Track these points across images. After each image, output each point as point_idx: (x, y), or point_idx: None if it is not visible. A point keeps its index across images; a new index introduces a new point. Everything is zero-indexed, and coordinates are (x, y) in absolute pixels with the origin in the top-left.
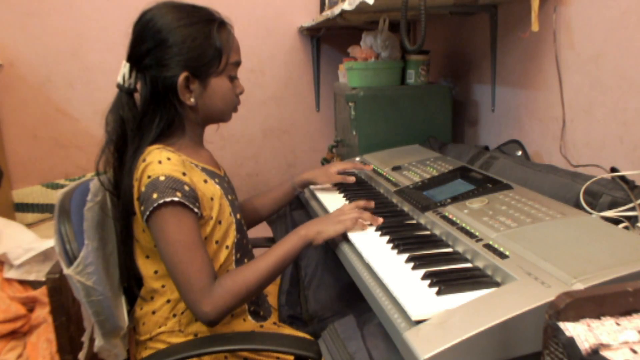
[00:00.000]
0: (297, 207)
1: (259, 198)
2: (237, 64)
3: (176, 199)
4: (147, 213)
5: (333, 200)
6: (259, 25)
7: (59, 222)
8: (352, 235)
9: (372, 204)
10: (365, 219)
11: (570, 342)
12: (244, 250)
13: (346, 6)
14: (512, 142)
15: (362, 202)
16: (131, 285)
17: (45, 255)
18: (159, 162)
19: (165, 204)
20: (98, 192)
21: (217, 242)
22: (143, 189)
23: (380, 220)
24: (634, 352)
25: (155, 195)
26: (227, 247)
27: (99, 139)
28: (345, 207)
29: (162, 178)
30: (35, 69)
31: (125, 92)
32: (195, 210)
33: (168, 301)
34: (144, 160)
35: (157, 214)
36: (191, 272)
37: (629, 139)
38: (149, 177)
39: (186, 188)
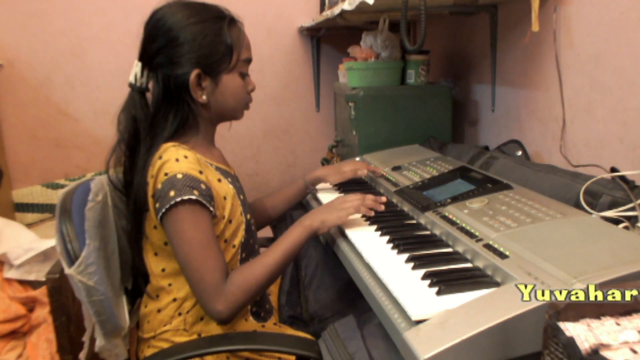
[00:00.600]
0: (297, 207)
1: (270, 198)
2: (248, 60)
3: (194, 197)
4: (163, 210)
5: None
6: (259, 25)
7: (60, 222)
8: (351, 235)
9: (382, 198)
10: (368, 204)
11: (570, 342)
12: (249, 251)
13: (346, 6)
14: (512, 142)
15: (370, 196)
16: (139, 282)
17: (45, 255)
18: (177, 160)
19: (183, 202)
20: (99, 192)
21: (225, 240)
22: (159, 186)
23: (384, 199)
24: (634, 352)
25: (172, 193)
26: (234, 246)
27: (99, 139)
28: (349, 195)
29: (179, 176)
30: (35, 69)
31: (137, 92)
32: (211, 209)
33: (174, 300)
34: (160, 158)
35: (174, 211)
36: (205, 270)
37: (629, 139)
38: (165, 174)
39: (203, 187)
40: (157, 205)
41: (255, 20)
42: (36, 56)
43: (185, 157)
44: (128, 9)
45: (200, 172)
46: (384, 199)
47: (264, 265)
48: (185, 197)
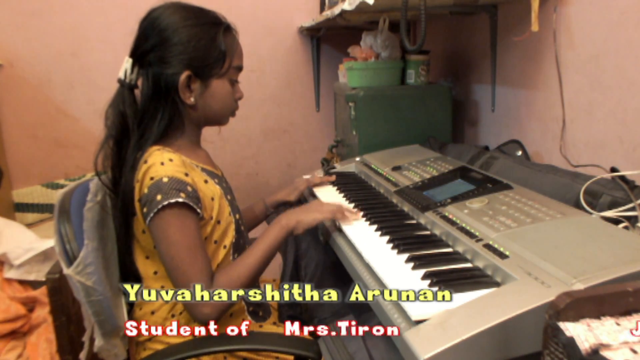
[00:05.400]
0: (297, 205)
1: None
2: (240, 68)
3: (180, 199)
4: (151, 215)
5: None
6: (259, 25)
7: (59, 222)
8: (352, 235)
9: (359, 215)
10: (345, 208)
11: (570, 342)
12: (241, 251)
13: (346, 6)
14: (512, 142)
15: (347, 206)
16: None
17: (45, 255)
18: (162, 163)
19: (170, 205)
20: (98, 192)
21: (215, 241)
22: (146, 190)
23: (360, 215)
24: (634, 352)
25: (159, 197)
26: (224, 246)
27: (99, 139)
28: (327, 202)
29: (165, 179)
30: (35, 69)
31: (126, 88)
32: (198, 210)
33: (167, 302)
34: (145, 162)
35: (161, 215)
36: (192, 273)
37: (629, 139)
38: (151, 178)
39: (189, 189)
40: (145, 210)
41: (255, 20)
42: (36, 56)
43: (171, 160)
44: (128, 9)
45: (186, 175)
46: (360, 215)
47: (245, 265)
48: (172, 200)
